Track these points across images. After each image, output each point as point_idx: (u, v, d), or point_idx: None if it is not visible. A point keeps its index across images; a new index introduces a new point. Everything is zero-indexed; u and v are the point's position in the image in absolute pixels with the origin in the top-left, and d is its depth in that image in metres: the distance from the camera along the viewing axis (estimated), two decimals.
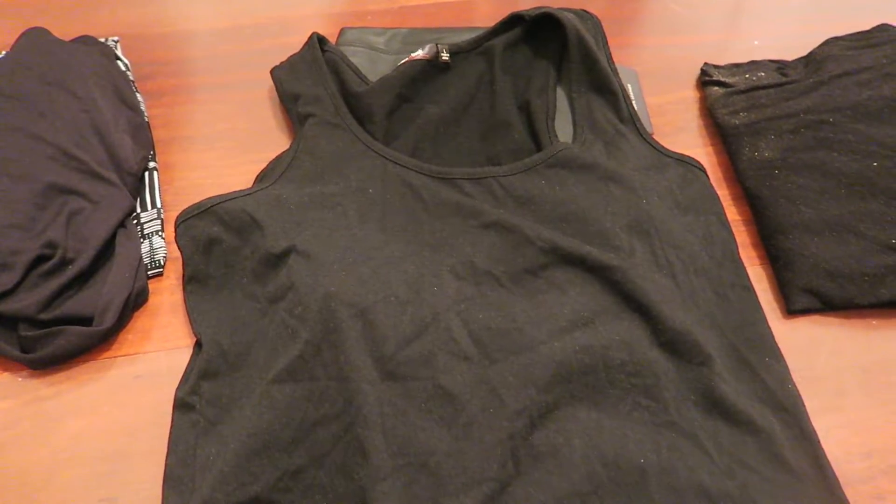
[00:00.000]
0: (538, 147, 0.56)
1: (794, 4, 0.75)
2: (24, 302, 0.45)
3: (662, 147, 0.56)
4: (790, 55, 0.65)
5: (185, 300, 0.49)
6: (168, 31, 0.70)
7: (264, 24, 0.71)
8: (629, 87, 0.61)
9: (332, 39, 0.64)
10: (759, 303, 0.49)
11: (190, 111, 0.63)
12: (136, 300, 0.49)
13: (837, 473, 0.42)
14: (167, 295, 0.51)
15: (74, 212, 0.49)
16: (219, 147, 0.60)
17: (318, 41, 0.60)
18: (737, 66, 0.64)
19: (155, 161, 0.57)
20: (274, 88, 0.62)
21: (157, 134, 0.60)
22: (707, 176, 0.56)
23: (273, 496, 0.40)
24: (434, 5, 0.74)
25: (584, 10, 0.63)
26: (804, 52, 0.64)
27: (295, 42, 0.62)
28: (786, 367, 0.46)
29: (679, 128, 0.62)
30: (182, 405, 0.44)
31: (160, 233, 0.52)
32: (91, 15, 0.70)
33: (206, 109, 0.63)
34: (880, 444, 0.45)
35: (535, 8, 0.60)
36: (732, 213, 0.56)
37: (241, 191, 0.51)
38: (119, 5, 0.72)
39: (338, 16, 0.72)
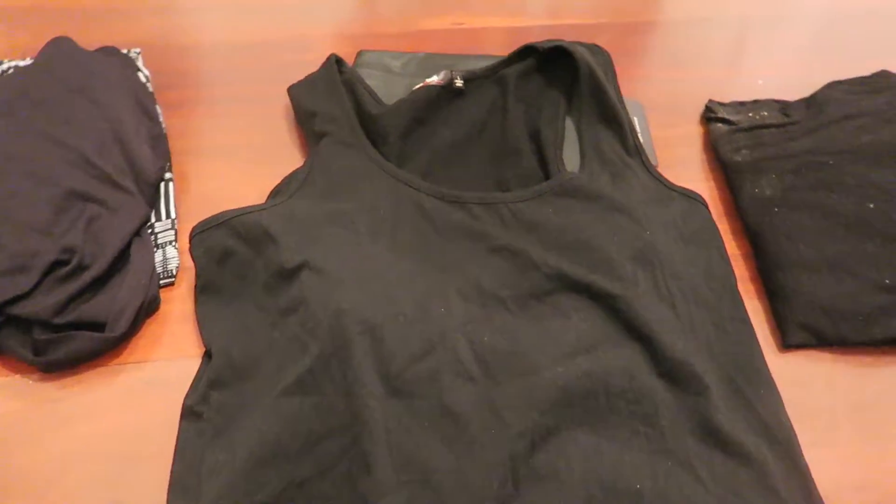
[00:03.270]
0: (546, 174, 0.57)
1: (798, 46, 0.77)
2: (40, 305, 0.46)
3: (667, 180, 0.57)
4: (792, 95, 0.67)
5: (197, 310, 0.50)
6: (187, 43, 0.71)
7: (282, 41, 0.72)
8: (635, 120, 0.62)
9: (349, 59, 0.66)
10: (755, 336, 0.50)
11: (206, 123, 0.64)
12: (148, 308, 0.50)
13: None
14: (178, 304, 0.52)
15: (92, 218, 0.50)
16: (233, 160, 0.61)
17: (336, 62, 0.61)
18: (741, 104, 0.66)
19: (171, 172, 0.58)
20: (289, 104, 0.63)
21: (173, 144, 0.61)
22: (709, 210, 0.57)
23: None
24: (447, 31, 0.75)
25: (596, 45, 0.64)
26: (806, 93, 0.66)
27: (312, 59, 0.64)
28: (780, 399, 0.47)
29: (683, 161, 0.64)
30: (190, 413, 0.45)
31: (174, 243, 0.53)
32: (113, 24, 0.72)
33: (222, 122, 0.64)
34: (871, 478, 0.46)
35: (548, 40, 0.62)
36: (732, 248, 0.57)
37: (256, 205, 0.52)
38: (140, 16, 0.73)
39: (356, 36, 0.74)
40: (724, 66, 0.74)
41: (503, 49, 0.65)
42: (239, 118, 0.64)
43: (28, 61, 0.63)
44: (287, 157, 0.61)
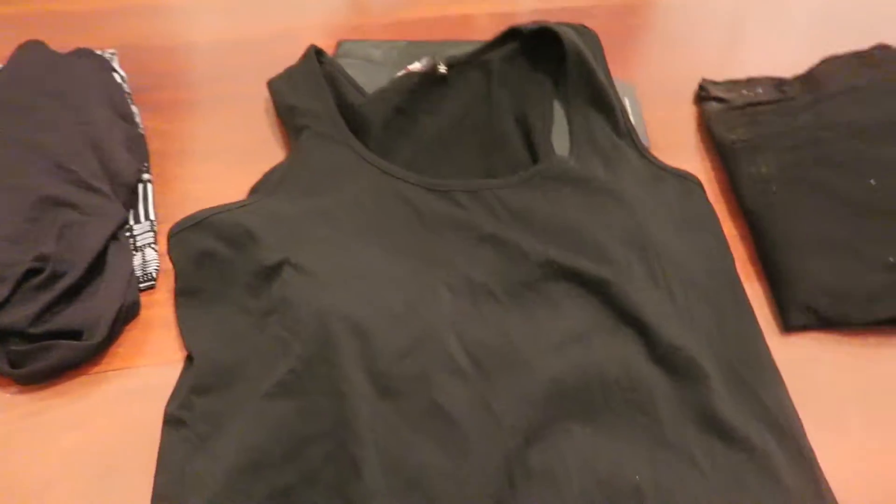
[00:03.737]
0: (535, 160, 0.55)
1: (793, 22, 0.75)
2: (15, 316, 0.45)
3: (660, 162, 0.56)
4: (788, 72, 0.65)
5: (177, 313, 0.48)
6: (166, 44, 0.70)
7: (263, 38, 0.70)
8: (626, 102, 0.61)
9: (331, 52, 0.64)
10: (756, 320, 0.49)
11: (187, 124, 0.62)
12: (127, 314, 0.48)
13: (834, 494, 0.42)
14: (159, 308, 0.50)
15: (66, 224, 0.49)
16: (215, 160, 0.60)
17: (315, 53, 0.60)
18: (735, 82, 0.64)
19: (149, 173, 0.57)
20: (269, 101, 0.62)
21: (153, 146, 0.59)
22: (704, 191, 0.55)
23: None
24: (432, 19, 0.74)
25: (583, 25, 0.63)
26: (802, 70, 0.64)
27: (294, 55, 0.62)
28: (783, 385, 0.46)
29: (676, 143, 0.62)
30: (172, 420, 0.44)
31: (153, 245, 0.52)
32: (89, 27, 0.70)
33: (203, 122, 0.62)
34: (878, 463, 0.45)
35: (533, 22, 0.60)
36: (729, 229, 0.56)
37: (234, 203, 0.51)
38: (117, 18, 0.72)
39: (337, 28, 0.72)
40: (719, 47, 0.72)
41: (490, 35, 0.63)
42: (221, 118, 0.63)
43: None
44: (271, 156, 0.59)
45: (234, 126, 0.62)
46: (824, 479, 0.42)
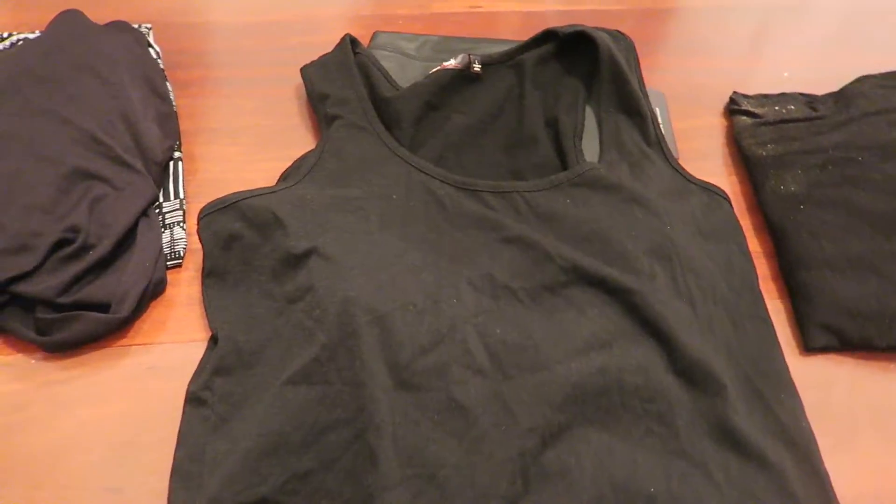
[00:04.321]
0: (563, 164, 0.55)
1: (823, 35, 0.74)
2: (44, 285, 0.45)
3: (688, 173, 0.56)
4: (818, 88, 0.65)
5: (203, 294, 0.49)
6: (198, 22, 0.70)
7: (293, 22, 0.70)
8: (657, 111, 0.60)
9: (362, 41, 0.64)
10: (776, 336, 0.49)
11: (215, 103, 0.63)
12: (154, 290, 0.49)
13: None
14: (184, 287, 0.51)
15: (98, 197, 0.49)
16: (242, 141, 0.60)
17: (350, 42, 0.60)
18: (766, 96, 0.64)
19: (180, 151, 0.57)
20: (299, 86, 0.62)
21: (182, 124, 0.60)
22: (731, 205, 0.55)
23: (280, 498, 0.40)
24: (464, 14, 0.74)
25: (618, 31, 0.63)
26: (833, 86, 0.64)
27: (322, 41, 0.62)
28: (800, 403, 0.46)
29: (704, 154, 0.62)
30: (194, 399, 0.44)
31: (182, 223, 0.52)
32: (123, 1, 0.70)
33: (231, 103, 0.63)
34: (890, 486, 0.45)
35: (569, 25, 0.60)
36: (754, 245, 0.56)
37: (265, 188, 0.51)
38: None
39: (367, 18, 0.72)
40: (748, 57, 0.72)
41: (518, 34, 0.63)
42: (248, 99, 0.63)
43: (37, 34, 0.62)
44: (297, 140, 0.60)
45: (261, 108, 0.62)
46: (836, 497, 0.43)
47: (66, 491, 0.42)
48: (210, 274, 0.49)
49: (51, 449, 0.43)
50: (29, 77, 0.54)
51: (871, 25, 0.76)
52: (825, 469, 0.44)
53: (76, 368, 0.47)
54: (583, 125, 0.57)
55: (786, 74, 0.69)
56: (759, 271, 0.52)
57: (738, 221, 0.54)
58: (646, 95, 0.59)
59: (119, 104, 0.54)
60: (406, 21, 0.72)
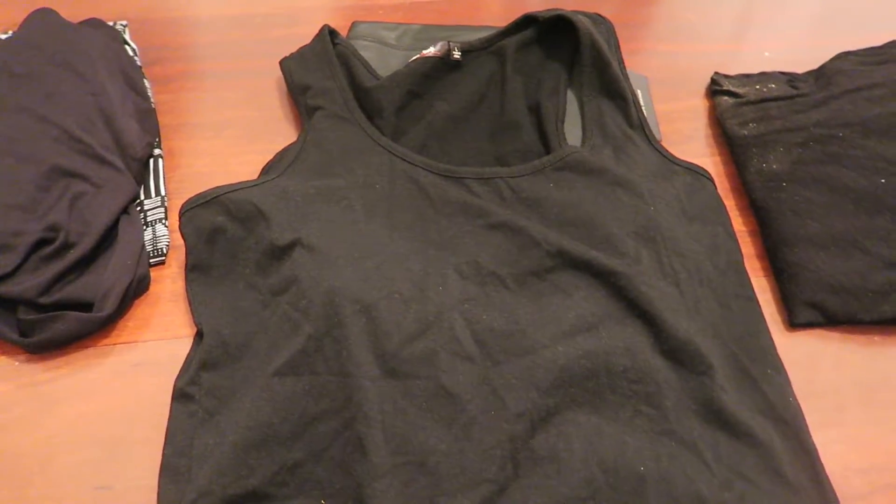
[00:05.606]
0: (547, 149, 0.55)
1: (805, 17, 0.75)
2: (25, 285, 0.45)
3: (671, 155, 0.56)
4: (800, 68, 0.65)
5: (187, 289, 0.48)
6: (176, 16, 0.69)
7: (274, 14, 0.70)
8: (639, 93, 0.60)
9: (342, 32, 0.64)
10: (762, 314, 0.49)
11: (196, 98, 0.62)
12: (137, 288, 0.48)
13: (835, 488, 0.42)
14: (168, 283, 0.50)
15: (77, 195, 0.49)
16: (224, 135, 0.59)
17: (329, 34, 0.59)
18: (747, 76, 0.64)
19: (160, 148, 0.57)
20: (281, 78, 0.62)
21: (163, 120, 0.59)
22: (714, 185, 0.55)
23: (269, 490, 0.40)
24: (445, 2, 0.73)
25: (598, 14, 0.62)
26: (815, 66, 0.64)
27: (304, 33, 0.62)
28: (787, 380, 0.46)
29: (687, 136, 0.62)
30: (181, 395, 0.44)
31: (164, 220, 0.52)
32: None
33: (212, 97, 0.62)
34: (879, 460, 0.45)
35: (548, 10, 0.60)
36: (738, 224, 0.56)
37: (247, 181, 0.51)
38: None
39: (348, 9, 0.72)
40: (730, 39, 0.72)
41: (501, 20, 0.63)
42: (229, 93, 0.63)
43: (9, 35, 0.61)
44: (279, 133, 0.59)
45: (242, 102, 0.62)
46: (825, 472, 0.43)
47: (57, 490, 0.42)
48: (194, 269, 0.49)
49: (39, 448, 0.43)
50: (4, 75, 0.53)
51: (851, 4, 0.76)
52: (814, 444, 0.44)
53: (61, 368, 0.46)
54: (565, 110, 0.57)
55: (767, 55, 0.69)
56: (744, 249, 0.52)
57: (722, 202, 0.54)
58: (627, 78, 0.59)
59: (97, 101, 0.53)
60: (387, 11, 0.71)
